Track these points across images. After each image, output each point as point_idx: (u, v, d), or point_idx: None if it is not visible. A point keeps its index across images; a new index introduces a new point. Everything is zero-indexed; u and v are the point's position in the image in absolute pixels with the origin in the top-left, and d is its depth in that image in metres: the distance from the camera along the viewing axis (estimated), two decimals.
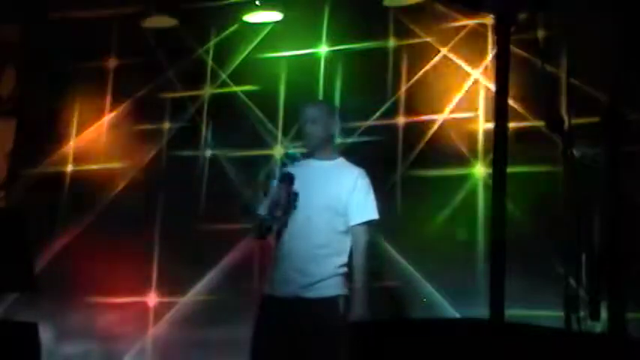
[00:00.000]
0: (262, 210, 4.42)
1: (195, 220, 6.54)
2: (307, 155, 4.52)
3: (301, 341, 4.21)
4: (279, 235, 4.40)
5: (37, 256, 6.12)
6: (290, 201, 4.29)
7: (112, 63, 7.10)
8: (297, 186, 4.38)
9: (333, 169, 4.45)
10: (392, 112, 6.23)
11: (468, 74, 6.04)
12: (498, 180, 2.71)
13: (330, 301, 4.25)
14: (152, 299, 6.58)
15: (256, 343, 4.29)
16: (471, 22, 6.04)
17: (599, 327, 3.12)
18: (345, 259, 4.32)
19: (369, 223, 4.39)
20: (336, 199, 4.34)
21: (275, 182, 4.41)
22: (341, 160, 4.54)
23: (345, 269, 4.32)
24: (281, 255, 4.35)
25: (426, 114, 6.12)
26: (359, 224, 4.36)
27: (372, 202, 4.41)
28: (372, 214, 4.40)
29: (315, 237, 4.30)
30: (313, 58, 6.52)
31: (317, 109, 4.53)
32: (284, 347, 4.23)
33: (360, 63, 6.36)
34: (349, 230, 4.37)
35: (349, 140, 6.18)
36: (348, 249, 4.35)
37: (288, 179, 4.33)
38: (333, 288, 4.27)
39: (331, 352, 4.05)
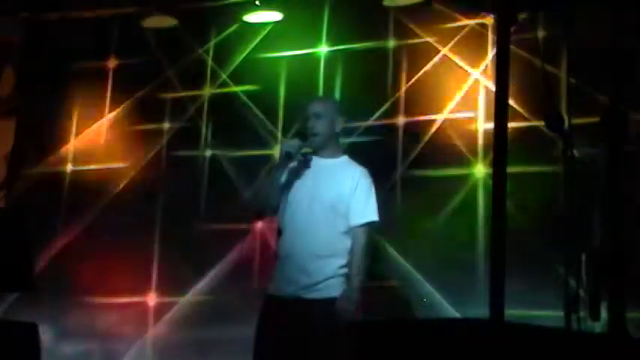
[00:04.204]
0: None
1: (196, 220, 6.54)
2: (311, 153, 4.48)
3: (303, 342, 4.20)
4: (280, 233, 4.39)
5: (37, 256, 6.12)
6: (298, 148, 4.33)
7: (112, 63, 7.10)
8: (300, 185, 4.38)
9: (336, 167, 4.40)
10: (392, 112, 6.24)
11: (468, 74, 6.04)
12: (498, 180, 2.71)
13: (331, 302, 4.24)
14: (152, 299, 6.58)
15: (258, 343, 4.28)
16: (471, 22, 6.04)
17: (599, 327, 3.11)
18: (346, 260, 4.30)
19: (368, 225, 4.36)
20: (338, 199, 4.31)
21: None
22: (345, 159, 4.47)
23: (346, 270, 4.30)
24: (283, 255, 4.34)
25: (426, 114, 6.12)
26: (358, 226, 4.33)
27: (373, 203, 4.36)
28: (372, 215, 4.35)
29: (317, 237, 4.28)
30: (313, 58, 6.52)
31: (322, 105, 4.48)
32: (286, 347, 4.23)
33: (360, 63, 6.36)
34: (350, 231, 4.34)
35: (349, 140, 6.18)
36: (349, 250, 4.33)
37: (301, 134, 4.38)
38: (334, 289, 4.25)
39: (332, 352, 4.05)
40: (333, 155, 4.43)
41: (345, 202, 4.31)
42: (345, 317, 4.14)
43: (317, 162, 4.42)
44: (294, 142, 4.35)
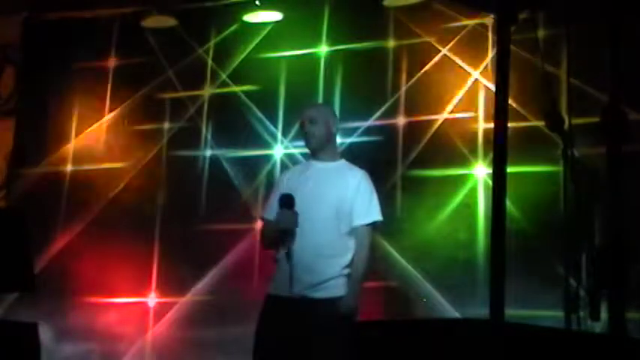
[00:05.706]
0: (268, 214, 4.41)
1: (195, 220, 6.54)
2: (309, 157, 4.51)
3: (306, 340, 4.21)
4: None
5: (37, 256, 6.12)
6: (295, 221, 4.25)
7: (112, 63, 7.10)
8: (302, 188, 4.38)
9: (336, 170, 4.46)
10: (392, 112, 6.24)
11: (468, 74, 6.04)
12: (498, 180, 2.72)
13: (335, 302, 4.26)
14: (152, 299, 6.59)
15: (260, 342, 4.29)
16: (471, 22, 6.05)
17: (599, 327, 3.11)
18: (348, 259, 4.33)
19: (373, 225, 4.40)
20: (341, 201, 4.35)
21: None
22: (343, 162, 4.53)
23: (349, 270, 4.33)
24: (286, 255, 4.34)
25: (426, 114, 6.12)
26: (363, 225, 4.37)
27: (376, 204, 4.43)
28: (376, 215, 4.41)
29: (320, 238, 4.30)
30: (313, 58, 6.52)
31: (314, 110, 4.56)
32: (288, 346, 4.24)
33: (360, 63, 6.37)
34: (352, 232, 4.37)
35: (349, 140, 6.18)
36: (352, 250, 4.35)
37: (288, 201, 4.29)
38: (338, 288, 4.29)
39: (335, 352, 4.06)
40: (332, 159, 4.49)
41: (349, 203, 4.35)
42: (348, 310, 4.17)
43: (317, 165, 4.47)
44: (289, 216, 4.27)
